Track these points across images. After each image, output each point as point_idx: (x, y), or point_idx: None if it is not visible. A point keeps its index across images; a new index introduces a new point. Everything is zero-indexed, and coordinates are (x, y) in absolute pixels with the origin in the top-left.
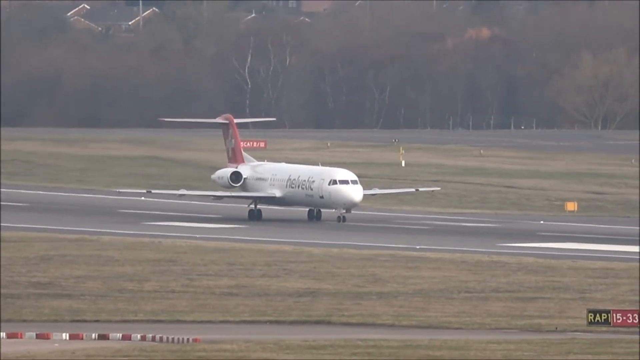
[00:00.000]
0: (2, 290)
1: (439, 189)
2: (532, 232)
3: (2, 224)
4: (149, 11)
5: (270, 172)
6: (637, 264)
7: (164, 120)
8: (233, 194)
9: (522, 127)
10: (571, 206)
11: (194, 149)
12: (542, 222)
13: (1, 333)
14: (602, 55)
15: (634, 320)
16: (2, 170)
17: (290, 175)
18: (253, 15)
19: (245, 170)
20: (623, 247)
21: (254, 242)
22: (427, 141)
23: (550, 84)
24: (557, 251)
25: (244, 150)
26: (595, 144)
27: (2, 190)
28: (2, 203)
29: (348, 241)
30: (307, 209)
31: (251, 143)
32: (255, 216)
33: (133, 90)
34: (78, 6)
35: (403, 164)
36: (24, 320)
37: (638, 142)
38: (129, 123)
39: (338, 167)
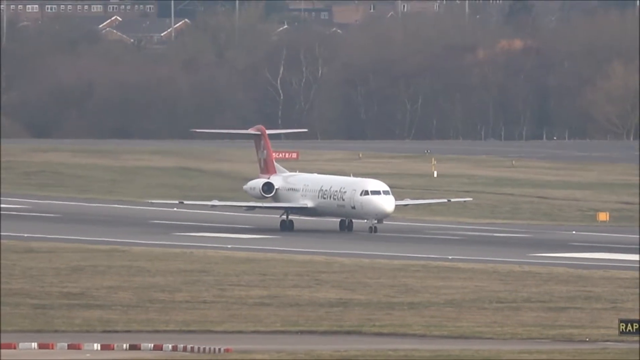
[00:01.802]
0: (34, 301)
1: (471, 199)
2: (564, 242)
3: (33, 235)
4: (180, 23)
5: (302, 183)
6: None
7: (195, 131)
8: (265, 204)
9: (555, 138)
10: (603, 216)
11: (225, 159)
12: (574, 232)
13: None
14: (633, 65)
15: None
16: (33, 181)
17: (322, 186)
18: (285, 26)
19: (277, 181)
20: None
21: (285, 253)
22: (459, 152)
23: (583, 94)
24: (588, 261)
25: (276, 161)
26: (628, 155)
27: (33, 201)
28: (34, 214)
29: (380, 251)
30: (339, 220)
31: (283, 154)
32: (287, 227)
33: (165, 101)
34: (110, 18)
35: (435, 175)
36: (56, 331)
37: (639, 151)
38: (161, 134)
39: (370, 177)
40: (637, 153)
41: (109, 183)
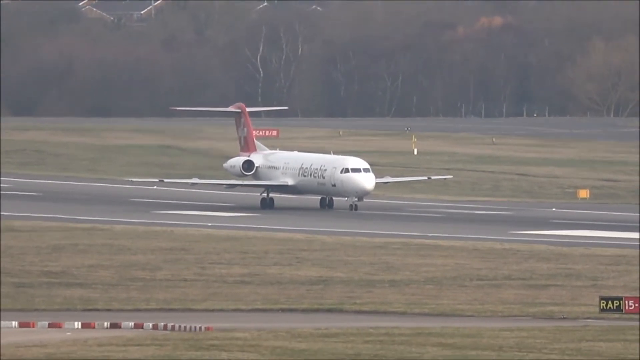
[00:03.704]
0: (15, 280)
1: (451, 177)
2: (545, 219)
3: (14, 214)
4: (160, 0)
5: (282, 161)
6: None
7: (175, 110)
8: (245, 182)
9: (535, 115)
10: (583, 193)
11: (206, 137)
12: (554, 209)
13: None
14: (613, 43)
15: None
16: (14, 160)
17: (302, 164)
18: (265, 4)
19: (257, 158)
20: (635, 234)
21: (266, 231)
22: (439, 129)
23: (563, 71)
24: (569, 238)
25: (256, 139)
26: (608, 132)
27: (14, 180)
28: (14, 192)
29: (360, 229)
30: (319, 197)
31: (263, 132)
32: (267, 205)
33: (145, 79)
34: None
35: (415, 152)
36: (37, 310)
37: (638, 129)
38: (141, 112)
39: (350, 155)
40: (621, 130)
41: (89, 161)
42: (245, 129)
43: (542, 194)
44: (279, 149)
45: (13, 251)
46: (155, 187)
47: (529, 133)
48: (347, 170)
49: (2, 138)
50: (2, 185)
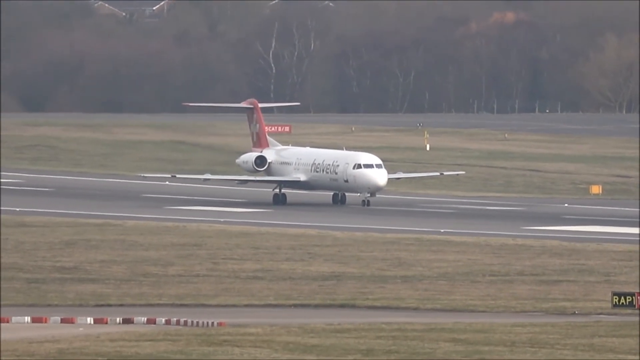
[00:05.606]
0: (27, 275)
1: (463, 172)
2: (557, 215)
3: (26, 209)
4: None
5: (294, 157)
6: None
7: (188, 105)
8: (258, 178)
9: (547, 111)
10: (596, 189)
11: (218, 133)
12: (566, 205)
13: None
14: (626, 38)
15: None
16: (26, 155)
17: (314, 160)
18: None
19: (269, 154)
20: None
21: (278, 226)
22: (451, 125)
23: (575, 67)
24: (581, 234)
25: (268, 135)
26: (620, 128)
27: (26, 175)
28: (27, 188)
29: (372, 225)
30: (332, 193)
31: (276, 127)
32: (279, 200)
33: (157, 75)
34: None
35: (427, 148)
36: (49, 305)
37: (638, 125)
38: (153, 108)
39: (362, 151)
40: (633, 126)
41: (101, 157)
42: (258, 125)
43: (554, 190)
44: (292, 145)
45: (25, 247)
46: (167, 182)
47: (541, 129)
48: (359, 166)
49: (14, 134)
50: (14, 181)
